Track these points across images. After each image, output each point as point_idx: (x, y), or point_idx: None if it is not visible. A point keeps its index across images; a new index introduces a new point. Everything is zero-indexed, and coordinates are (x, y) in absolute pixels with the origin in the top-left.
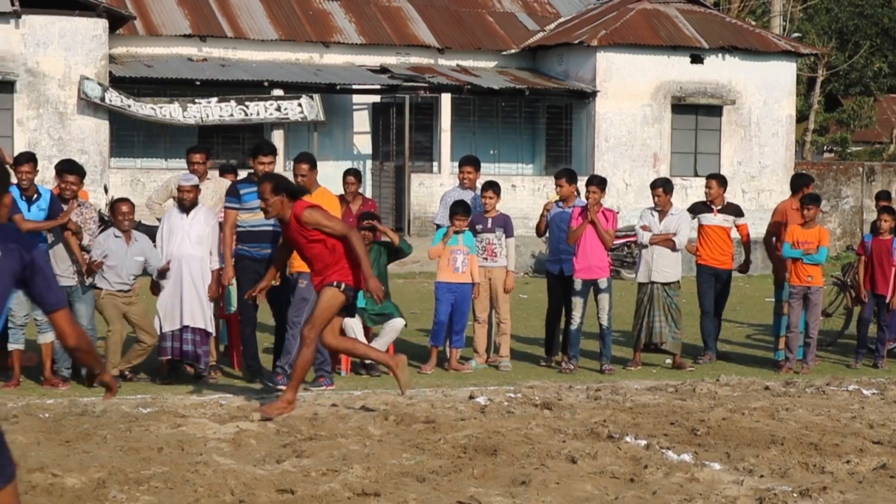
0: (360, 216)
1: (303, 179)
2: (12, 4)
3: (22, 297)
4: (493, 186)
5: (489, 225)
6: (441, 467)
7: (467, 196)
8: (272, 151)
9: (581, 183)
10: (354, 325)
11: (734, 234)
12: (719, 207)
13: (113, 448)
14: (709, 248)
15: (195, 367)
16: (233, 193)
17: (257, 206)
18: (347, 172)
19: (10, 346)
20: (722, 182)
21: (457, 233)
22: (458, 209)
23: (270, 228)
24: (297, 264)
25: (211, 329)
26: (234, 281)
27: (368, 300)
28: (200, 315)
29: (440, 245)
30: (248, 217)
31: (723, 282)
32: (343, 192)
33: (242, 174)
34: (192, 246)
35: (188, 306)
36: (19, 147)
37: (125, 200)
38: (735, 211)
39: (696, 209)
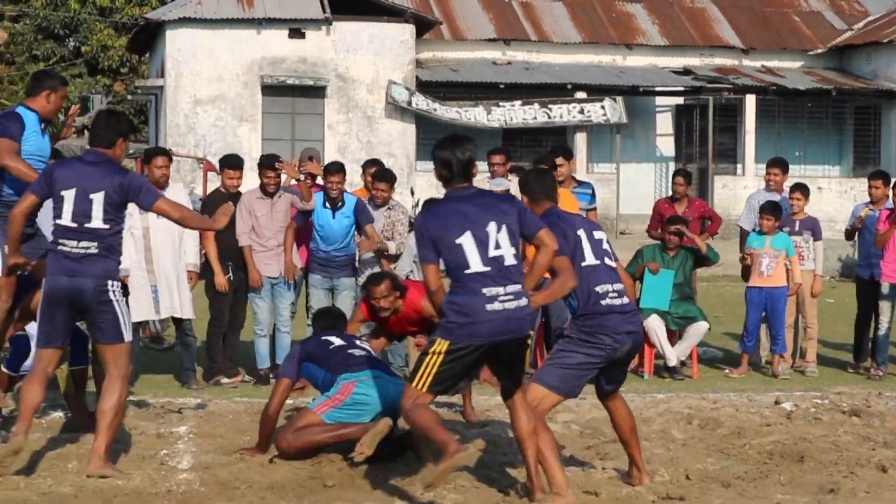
0: (669, 220)
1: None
2: (324, 12)
3: (319, 294)
4: (801, 188)
5: (797, 227)
6: (746, 473)
7: (773, 199)
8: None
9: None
10: (657, 328)
11: None
12: None
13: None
14: None
15: None
16: None
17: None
18: (676, 173)
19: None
20: None
21: (761, 234)
22: (768, 209)
23: None
24: None
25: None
26: None
27: (674, 302)
28: None
29: (749, 249)
30: None
31: None
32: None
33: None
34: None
35: None
36: (329, 150)
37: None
38: None
39: None
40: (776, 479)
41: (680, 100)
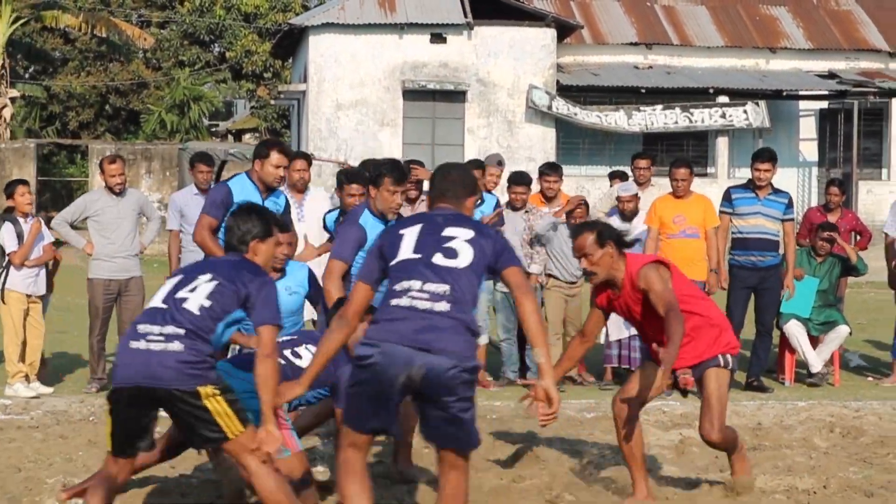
0: (820, 226)
1: (682, 184)
2: (465, 17)
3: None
4: None
5: None
6: (890, 482)
7: None
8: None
9: None
10: (798, 334)
11: None
12: None
13: (559, 450)
14: None
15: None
16: (726, 198)
17: (751, 212)
18: (831, 183)
19: None
20: None
21: None
22: None
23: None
24: None
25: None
26: None
27: (816, 309)
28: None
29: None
30: (741, 223)
31: None
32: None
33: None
34: None
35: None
36: (469, 154)
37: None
38: None
39: None
40: None
41: (824, 104)
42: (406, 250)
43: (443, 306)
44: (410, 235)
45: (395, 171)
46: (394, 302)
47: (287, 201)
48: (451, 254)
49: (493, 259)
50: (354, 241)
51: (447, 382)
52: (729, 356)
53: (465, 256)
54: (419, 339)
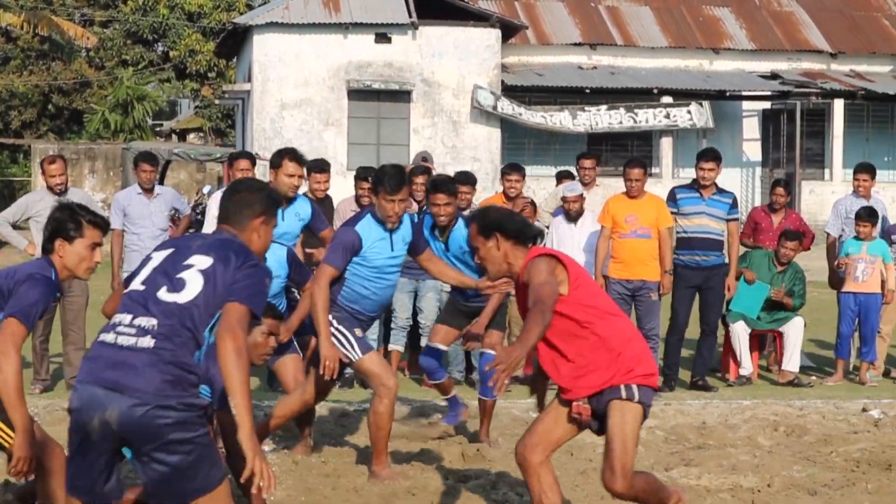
0: (785, 234)
1: (636, 184)
2: (410, 17)
3: (406, 300)
4: None
5: (895, 237)
6: (833, 481)
7: (860, 204)
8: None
9: None
10: (741, 335)
11: None
12: None
13: (503, 451)
14: None
15: None
16: (671, 198)
17: (695, 212)
18: (776, 183)
19: (391, 347)
20: None
21: (859, 240)
22: (864, 215)
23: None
24: None
25: None
26: None
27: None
28: None
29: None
30: (685, 223)
31: None
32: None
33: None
34: (577, 255)
35: None
36: (414, 154)
37: (515, 173)
38: None
39: None
40: (863, 488)
41: (767, 104)
42: (138, 280)
43: (146, 342)
44: (152, 263)
45: (392, 179)
46: (101, 337)
47: (314, 208)
48: (178, 285)
49: (224, 292)
50: (347, 248)
51: (145, 426)
52: (635, 387)
53: (192, 289)
54: (108, 378)
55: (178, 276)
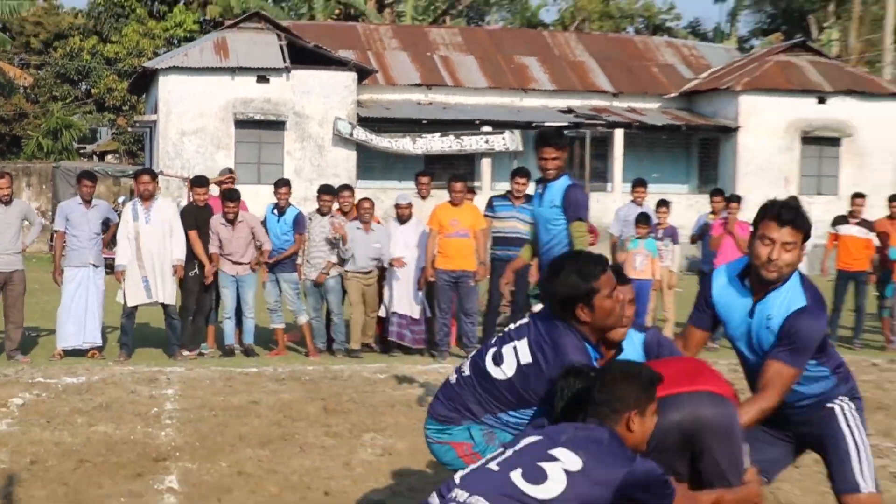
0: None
1: (458, 195)
2: (284, 62)
3: (270, 286)
4: (666, 203)
5: (660, 234)
6: None
7: (636, 212)
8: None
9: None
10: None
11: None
12: (860, 220)
13: (358, 404)
14: (847, 253)
15: (403, 344)
16: (489, 206)
17: (508, 216)
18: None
19: (273, 325)
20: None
21: (638, 238)
22: (642, 219)
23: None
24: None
25: (416, 315)
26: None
27: None
28: (407, 304)
29: (623, 252)
30: (500, 225)
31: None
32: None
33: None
34: (403, 250)
35: (397, 294)
36: (287, 171)
37: (367, 199)
38: (869, 225)
39: (838, 221)
40: None
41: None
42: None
43: None
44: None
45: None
46: None
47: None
48: None
49: None
50: None
51: None
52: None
53: None
54: None
55: None
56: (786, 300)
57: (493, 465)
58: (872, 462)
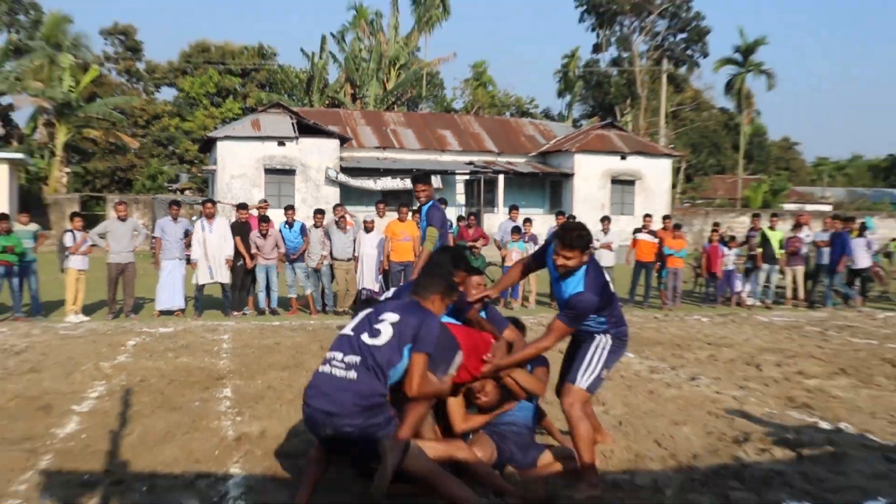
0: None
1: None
2: (294, 133)
3: (287, 271)
4: (530, 220)
5: (527, 239)
6: None
7: (511, 226)
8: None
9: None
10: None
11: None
12: (648, 230)
13: None
14: (641, 251)
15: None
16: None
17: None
18: (470, 215)
19: (289, 296)
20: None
21: (514, 242)
22: (515, 230)
23: None
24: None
25: (377, 290)
26: None
27: None
28: (370, 282)
29: (508, 250)
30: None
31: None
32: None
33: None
34: (369, 250)
35: (366, 277)
36: (297, 202)
37: (341, 205)
38: (654, 233)
39: (636, 231)
40: None
41: (466, 177)
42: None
43: None
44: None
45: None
46: None
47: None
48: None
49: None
50: None
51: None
52: None
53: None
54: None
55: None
56: (571, 284)
57: (349, 331)
58: (598, 377)
